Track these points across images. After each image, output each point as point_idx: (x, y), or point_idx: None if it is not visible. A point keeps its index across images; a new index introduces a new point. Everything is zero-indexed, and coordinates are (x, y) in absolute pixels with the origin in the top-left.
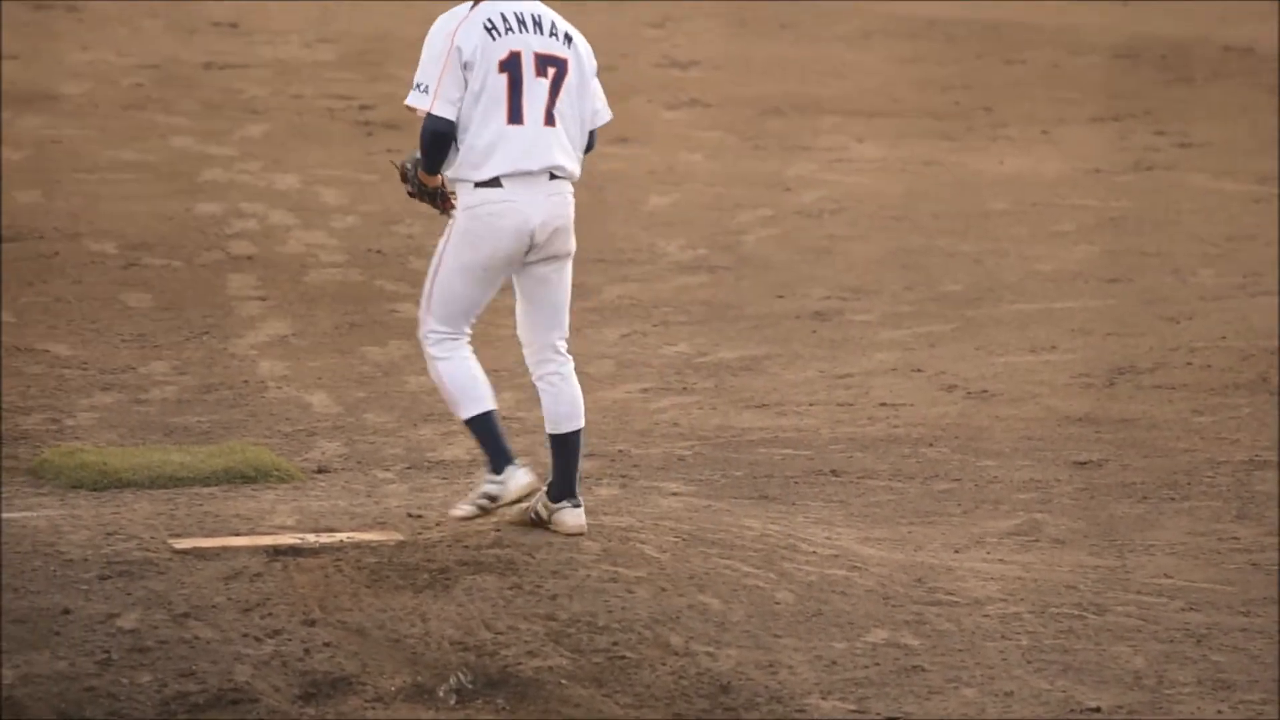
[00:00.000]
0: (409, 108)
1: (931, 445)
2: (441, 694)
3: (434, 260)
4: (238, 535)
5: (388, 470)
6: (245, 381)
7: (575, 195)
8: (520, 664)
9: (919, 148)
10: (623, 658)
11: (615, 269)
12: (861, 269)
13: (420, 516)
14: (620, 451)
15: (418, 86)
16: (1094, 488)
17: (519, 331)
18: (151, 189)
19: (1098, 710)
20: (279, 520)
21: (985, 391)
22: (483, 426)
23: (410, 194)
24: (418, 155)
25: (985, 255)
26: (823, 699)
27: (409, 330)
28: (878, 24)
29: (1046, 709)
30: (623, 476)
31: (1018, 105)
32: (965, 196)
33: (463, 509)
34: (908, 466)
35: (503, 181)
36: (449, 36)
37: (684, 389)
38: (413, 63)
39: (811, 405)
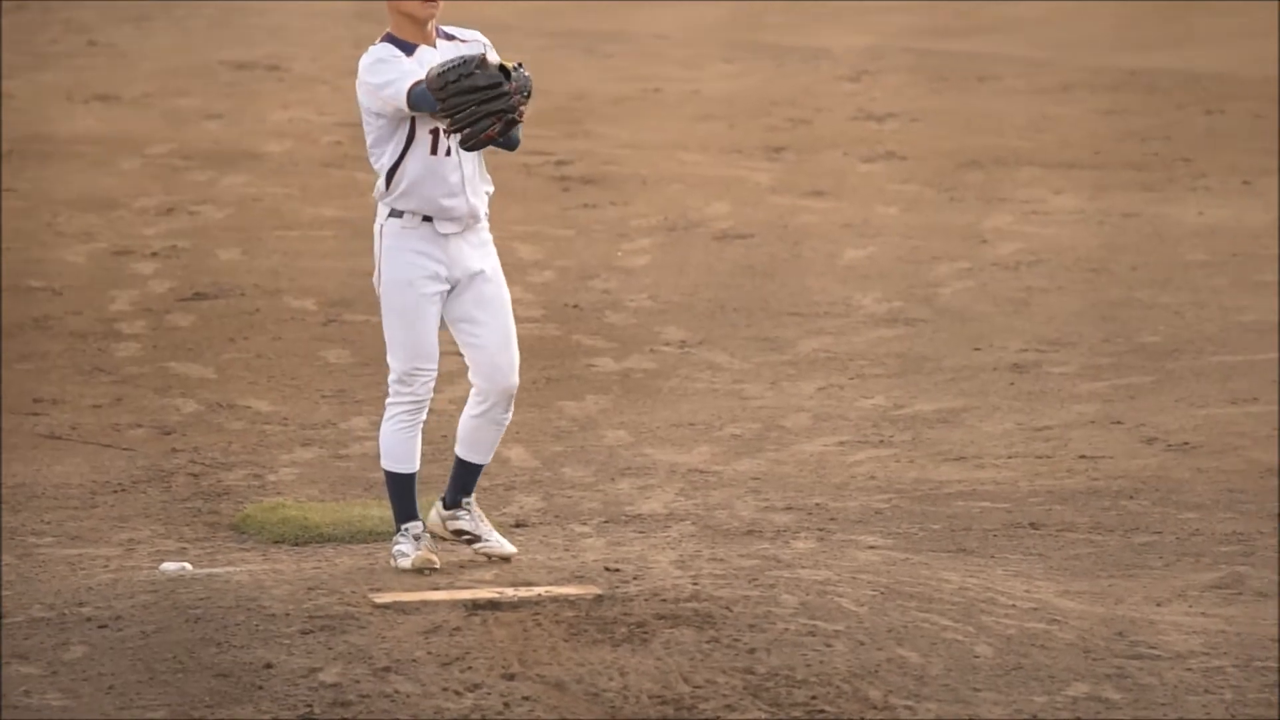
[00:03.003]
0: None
1: (1132, 498)
2: None
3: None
4: (437, 589)
5: (585, 524)
6: (444, 436)
7: (772, 247)
8: (719, 718)
9: (1118, 199)
10: (822, 712)
11: (811, 322)
12: (1060, 321)
13: (617, 570)
14: (817, 504)
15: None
16: None
17: None
18: (351, 246)
19: None
20: (478, 574)
21: (1186, 444)
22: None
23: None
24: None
25: (1185, 307)
26: None
27: (606, 385)
28: (1078, 77)
29: None
30: (820, 529)
31: (1218, 156)
32: (1164, 248)
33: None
34: (1108, 519)
35: None
36: None
37: (881, 441)
38: (609, 120)
39: (1010, 458)
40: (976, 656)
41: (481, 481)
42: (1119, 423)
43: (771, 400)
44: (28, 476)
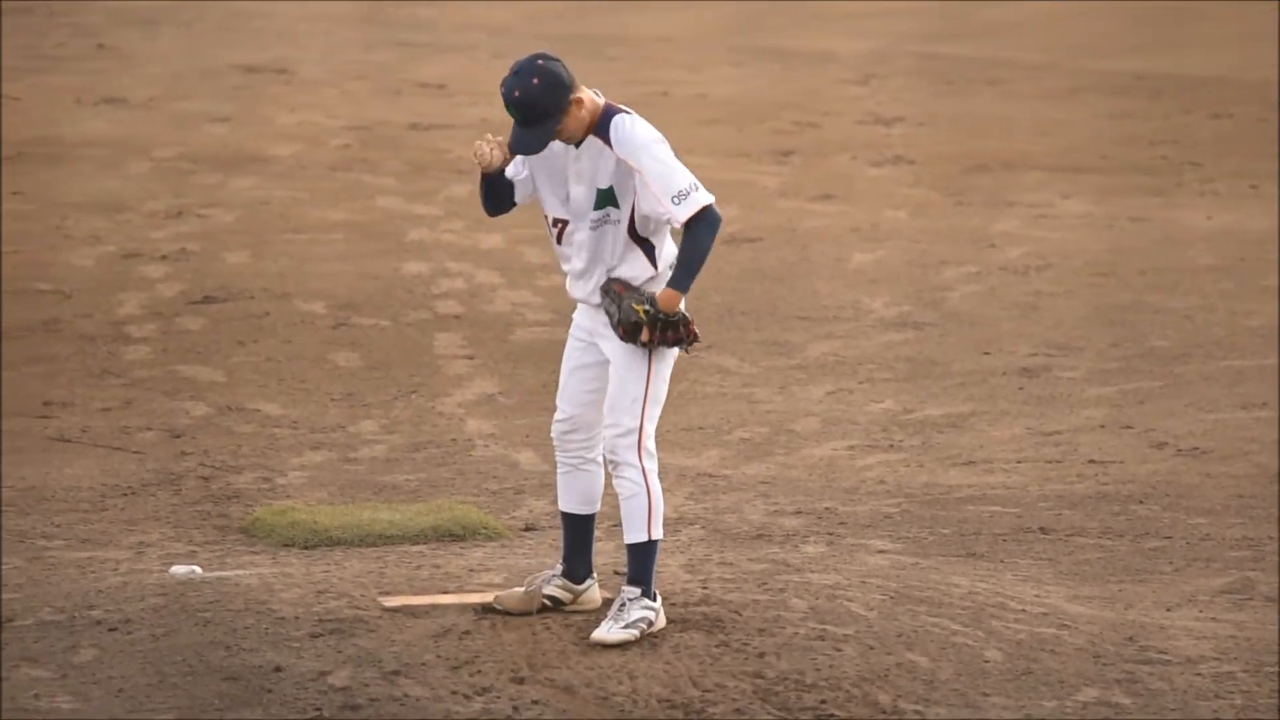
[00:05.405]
0: (694, 218)
1: (1141, 502)
2: None
3: (643, 366)
4: (446, 593)
5: (595, 528)
6: (453, 440)
7: (780, 251)
8: None
9: (1126, 203)
10: (831, 716)
11: (820, 326)
12: (1068, 325)
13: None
14: (827, 509)
15: (693, 189)
16: None
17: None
18: (359, 249)
19: None
20: (487, 578)
21: (1196, 449)
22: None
23: (647, 342)
24: (642, 294)
25: (1194, 311)
26: None
27: None
28: (1085, 80)
29: None
30: (829, 534)
31: (1225, 160)
32: (1173, 252)
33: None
34: (1117, 524)
35: None
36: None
37: (890, 446)
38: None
39: (1019, 462)
40: (986, 661)
41: (489, 484)
42: (1128, 427)
43: (781, 404)
44: (37, 479)
